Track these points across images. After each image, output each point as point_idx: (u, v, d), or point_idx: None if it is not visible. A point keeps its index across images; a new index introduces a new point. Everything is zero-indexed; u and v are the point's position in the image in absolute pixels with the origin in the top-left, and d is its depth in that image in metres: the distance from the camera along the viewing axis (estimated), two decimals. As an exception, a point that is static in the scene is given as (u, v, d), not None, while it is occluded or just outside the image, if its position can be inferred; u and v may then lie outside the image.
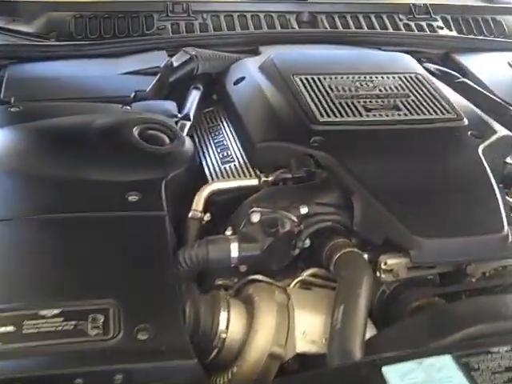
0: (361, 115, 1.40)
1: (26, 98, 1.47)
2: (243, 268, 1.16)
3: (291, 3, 2.05)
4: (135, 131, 1.32)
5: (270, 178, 1.30)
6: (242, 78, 1.60)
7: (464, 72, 1.84)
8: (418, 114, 1.41)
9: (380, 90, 1.51)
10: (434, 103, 1.46)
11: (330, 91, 1.47)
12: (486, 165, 1.29)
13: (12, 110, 1.42)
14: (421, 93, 1.50)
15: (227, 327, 1.08)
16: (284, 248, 1.16)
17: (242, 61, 1.68)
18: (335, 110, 1.40)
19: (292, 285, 1.15)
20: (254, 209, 1.17)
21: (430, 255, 1.12)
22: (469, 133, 1.39)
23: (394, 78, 1.56)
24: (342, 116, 1.39)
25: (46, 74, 1.62)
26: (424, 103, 1.46)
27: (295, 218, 1.18)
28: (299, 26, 1.96)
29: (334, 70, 1.57)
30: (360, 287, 1.05)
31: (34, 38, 1.84)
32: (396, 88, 1.52)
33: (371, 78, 1.55)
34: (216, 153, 1.46)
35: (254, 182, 1.30)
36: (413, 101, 1.47)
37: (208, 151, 1.47)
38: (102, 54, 1.72)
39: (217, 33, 1.89)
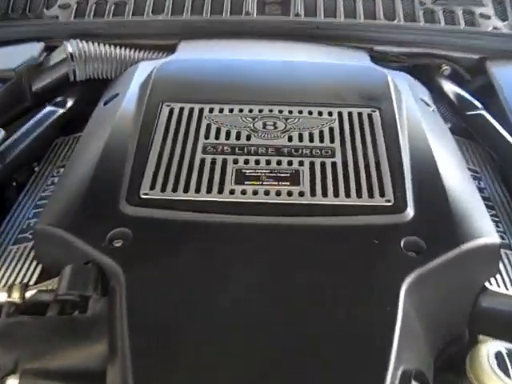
0: (220, 191, 0.82)
1: None
2: None
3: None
4: None
5: (26, 297, 0.78)
6: (115, 96, 1.07)
7: (494, 93, 1.17)
8: (328, 196, 0.81)
9: (290, 140, 0.91)
10: (367, 173, 0.85)
11: (200, 136, 0.91)
12: (399, 315, 0.69)
13: None
14: (355, 151, 0.89)
15: None
16: None
17: (135, 66, 1.14)
18: (183, 175, 0.84)
19: None
20: None
21: None
22: (402, 242, 0.77)
23: (330, 115, 0.96)
24: (185, 191, 0.81)
25: None
26: (347, 173, 0.85)
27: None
28: (264, 8, 1.35)
29: (238, 94, 0.99)
30: None
31: None
32: (321, 137, 0.92)
33: (291, 113, 0.96)
34: (26, 213, 0.96)
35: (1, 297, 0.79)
36: (329, 166, 0.86)
37: (22, 208, 0.97)
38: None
39: (115, 19, 1.31)
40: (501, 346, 0.78)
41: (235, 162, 0.87)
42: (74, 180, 0.86)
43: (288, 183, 0.84)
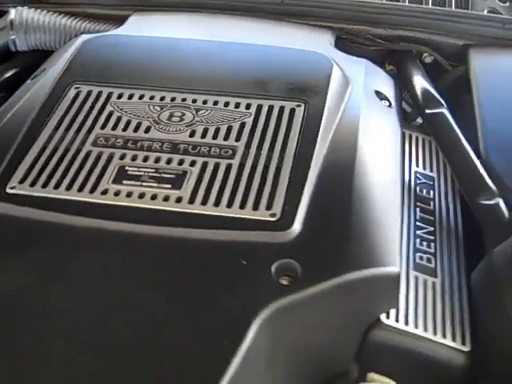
0: (96, 190, 0.75)
1: None
2: None
3: None
4: None
5: None
6: (42, 71, 1.01)
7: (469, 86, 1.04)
8: (208, 204, 0.72)
9: (191, 135, 0.82)
10: (261, 181, 0.76)
11: (100, 125, 0.83)
12: (239, 352, 0.61)
13: None
14: (259, 153, 0.79)
15: None
16: None
17: (74, 39, 1.06)
18: (63, 169, 0.77)
19: None
20: None
21: None
22: (274, 264, 0.68)
23: (247, 108, 0.85)
24: (58, 186, 0.75)
25: None
26: (240, 179, 0.76)
27: None
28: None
29: (157, 78, 0.91)
30: None
31: None
32: (227, 134, 0.82)
33: (205, 103, 0.87)
34: None
35: None
36: (223, 169, 0.78)
37: None
38: None
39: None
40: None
41: (122, 157, 0.79)
42: None
43: (169, 186, 0.75)
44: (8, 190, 0.75)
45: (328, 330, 0.70)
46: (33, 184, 0.76)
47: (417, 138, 1.05)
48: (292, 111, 0.86)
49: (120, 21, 1.15)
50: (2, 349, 0.61)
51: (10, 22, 1.11)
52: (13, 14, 1.12)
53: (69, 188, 0.75)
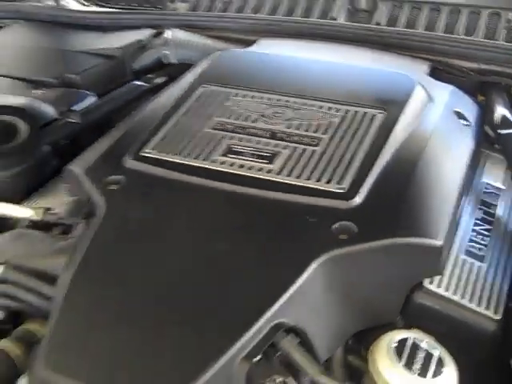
0: (208, 159, 0.97)
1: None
2: None
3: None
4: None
5: (37, 215, 1.00)
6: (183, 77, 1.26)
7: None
8: (293, 176, 0.92)
9: (288, 127, 1.03)
10: (337, 163, 0.94)
11: (217, 114, 1.06)
12: (300, 279, 0.78)
13: None
14: (339, 144, 0.98)
15: None
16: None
17: (215, 53, 1.31)
18: (186, 143, 1.00)
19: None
20: None
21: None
22: (336, 224, 0.85)
23: (337, 111, 1.04)
24: (179, 154, 0.98)
25: (12, 41, 1.51)
26: (321, 161, 0.95)
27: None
28: (350, 16, 1.44)
29: (268, 84, 1.12)
30: None
31: (79, 0, 1.72)
32: (316, 128, 1.02)
33: (304, 105, 1.06)
34: None
35: (27, 214, 1.01)
36: (312, 154, 0.97)
37: None
38: (101, 25, 1.53)
39: (211, 14, 1.50)
40: (414, 336, 0.83)
41: (230, 138, 1.01)
42: (111, 134, 1.06)
43: (264, 161, 0.96)
44: (141, 153, 0.99)
45: (376, 283, 0.86)
46: (160, 150, 0.99)
47: (493, 157, 1.18)
48: (373, 116, 1.04)
49: (248, 44, 1.40)
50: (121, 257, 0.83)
51: (164, 40, 1.39)
52: (168, 34, 1.40)
53: (186, 156, 0.98)
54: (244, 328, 0.74)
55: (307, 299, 0.80)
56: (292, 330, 0.77)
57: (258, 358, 0.75)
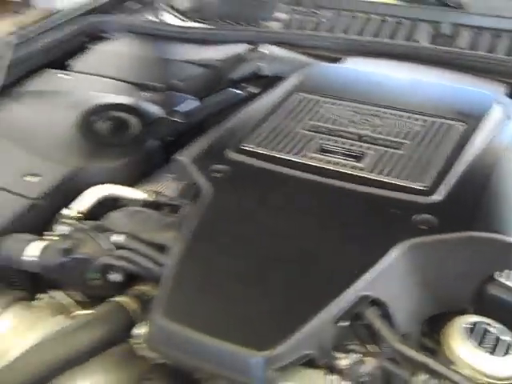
0: (301, 155, 1.09)
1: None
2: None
3: (440, 10, 1.61)
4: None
5: (149, 197, 1.13)
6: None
7: None
8: (379, 173, 1.04)
9: (373, 132, 1.14)
10: (420, 164, 1.05)
11: (310, 118, 1.18)
12: (384, 260, 0.89)
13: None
14: (421, 148, 1.08)
15: None
16: (80, 271, 1.02)
17: (304, 68, 1.44)
18: (281, 140, 1.13)
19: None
20: (66, 219, 1.06)
21: (162, 339, 0.86)
22: (417, 216, 0.95)
23: (416, 120, 1.15)
24: (276, 149, 1.11)
25: (125, 51, 1.68)
26: (405, 162, 1.06)
27: (107, 245, 1.02)
28: (433, 40, 1.54)
29: (357, 94, 1.24)
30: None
31: (179, 16, 1.89)
32: (399, 134, 1.13)
33: (391, 114, 1.18)
34: None
35: (141, 196, 1.15)
36: (395, 156, 1.08)
37: None
38: (204, 39, 1.68)
39: (303, 33, 1.63)
40: (485, 321, 0.92)
41: (322, 138, 1.13)
42: (215, 130, 1.19)
43: (353, 159, 1.07)
44: (241, 146, 1.12)
45: (451, 272, 0.95)
46: (258, 145, 1.12)
47: None
48: (453, 127, 1.14)
49: (336, 61, 1.52)
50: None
51: (260, 55, 1.53)
52: (264, 49, 1.54)
53: (281, 150, 1.10)
54: (335, 296, 0.85)
55: (390, 278, 0.91)
56: (376, 303, 0.88)
57: (346, 323, 0.86)
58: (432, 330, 0.97)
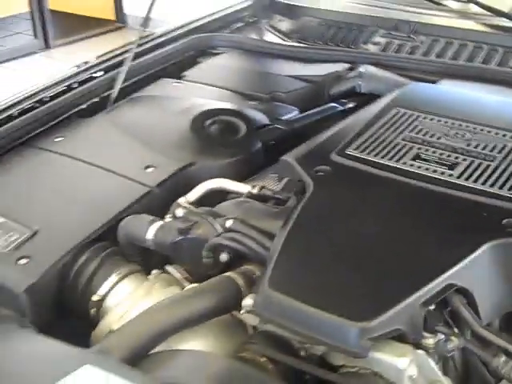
0: (400, 161, 1.19)
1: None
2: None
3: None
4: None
5: (255, 191, 1.26)
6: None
7: None
8: (471, 181, 1.13)
9: (468, 145, 1.23)
10: (510, 173, 1.14)
11: (408, 130, 1.28)
12: (472, 255, 0.98)
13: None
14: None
15: (108, 292, 1.16)
16: (193, 250, 1.15)
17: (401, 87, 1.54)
18: (381, 147, 1.23)
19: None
20: (184, 204, 1.19)
21: (269, 308, 0.97)
22: (506, 219, 1.04)
23: (507, 137, 1.24)
24: (377, 155, 1.21)
25: (234, 65, 1.84)
26: (496, 173, 1.15)
27: (219, 228, 1.15)
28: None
29: (452, 112, 1.33)
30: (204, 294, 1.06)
31: (280, 36, 2.03)
32: (492, 148, 1.21)
33: (482, 130, 1.27)
34: None
35: (246, 189, 1.28)
36: (487, 167, 1.17)
37: None
38: (306, 57, 1.82)
39: (400, 55, 1.74)
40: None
41: (418, 148, 1.23)
42: (318, 136, 1.31)
43: (446, 168, 1.17)
44: (345, 151, 1.23)
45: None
46: (359, 150, 1.23)
47: None
48: (544, 143, 1.22)
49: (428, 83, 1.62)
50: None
51: (358, 73, 1.65)
52: (362, 68, 1.66)
53: (382, 157, 1.21)
54: (426, 281, 0.95)
55: (477, 271, 1.00)
56: (462, 292, 0.97)
57: (433, 307, 0.95)
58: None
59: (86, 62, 1.76)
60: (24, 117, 1.53)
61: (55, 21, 5.98)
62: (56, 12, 6.10)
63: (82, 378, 0.93)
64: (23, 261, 1.17)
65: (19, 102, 1.57)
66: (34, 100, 1.58)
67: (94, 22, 6.44)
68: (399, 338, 0.94)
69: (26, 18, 5.99)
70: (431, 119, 1.32)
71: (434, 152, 1.22)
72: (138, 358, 0.99)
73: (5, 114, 1.53)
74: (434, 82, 1.60)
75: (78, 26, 6.34)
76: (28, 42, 5.92)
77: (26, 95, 1.59)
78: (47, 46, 5.91)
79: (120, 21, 6.50)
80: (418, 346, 0.94)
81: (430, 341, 0.94)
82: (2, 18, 6.23)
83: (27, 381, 0.94)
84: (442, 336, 0.95)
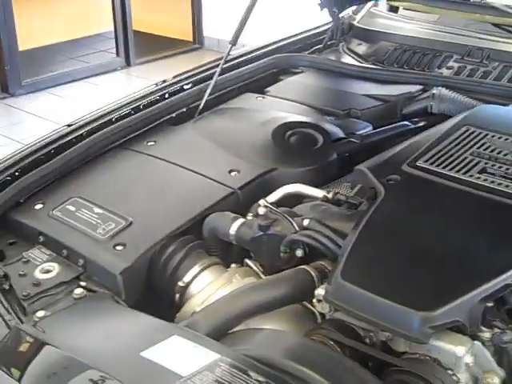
0: (466, 174, 1.28)
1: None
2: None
3: None
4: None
5: (330, 195, 1.36)
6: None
7: None
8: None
9: (529, 163, 1.31)
10: None
11: (475, 146, 1.37)
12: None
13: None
14: None
15: (192, 280, 1.28)
16: (271, 245, 1.26)
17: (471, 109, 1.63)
18: (450, 161, 1.33)
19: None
20: (266, 204, 1.31)
21: (340, 296, 1.07)
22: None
23: None
24: (445, 167, 1.30)
25: (313, 83, 1.96)
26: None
27: (296, 226, 1.26)
28: None
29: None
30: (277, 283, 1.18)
31: (358, 59, 2.15)
32: (555, 164, 1.29)
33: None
34: None
35: (321, 194, 1.39)
36: (550, 183, 1.24)
37: None
38: (381, 79, 1.92)
39: (472, 79, 1.82)
40: None
41: (486, 163, 1.32)
42: (391, 149, 1.42)
43: (510, 181, 1.25)
44: (417, 164, 1.33)
45: None
46: (429, 163, 1.33)
47: None
48: None
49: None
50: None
51: (432, 94, 1.74)
52: (435, 90, 1.75)
53: (451, 169, 1.31)
54: (486, 280, 1.04)
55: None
56: None
57: (491, 304, 1.04)
58: None
59: (163, 81, 1.92)
60: (121, 122, 1.70)
61: (136, 40, 6.30)
62: (137, 32, 6.42)
63: (171, 346, 1.06)
64: (119, 247, 1.31)
65: (117, 109, 1.74)
66: (131, 107, 1.74)
67: (173, 43, 6.73)
68: (457, 329, 1.03)
69: (109, 37, 6.33)
70: (499, 137, 1.40)
71: (500, 167, 1.30)
72: (219, 334, 1.11)
73: (104, 119, 1.70)
74: (505, 105, 1.68)
75: (157, 45, 6.64)
76: (110, 59, 6.24)
77: (124, 103, 1.76)
78: (128, 64, 6.22)
79: (197, 42, 6.77)
80: (474, 337, 1.03)
81: (486, 334, 1.03)
82: (88, 36, 6.60)
83: (123, 347, 1.08)
84: (498, 331, 1.03)
